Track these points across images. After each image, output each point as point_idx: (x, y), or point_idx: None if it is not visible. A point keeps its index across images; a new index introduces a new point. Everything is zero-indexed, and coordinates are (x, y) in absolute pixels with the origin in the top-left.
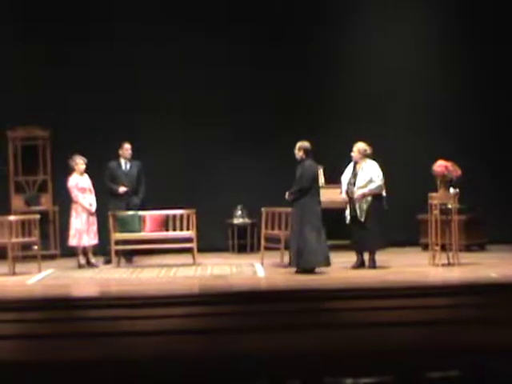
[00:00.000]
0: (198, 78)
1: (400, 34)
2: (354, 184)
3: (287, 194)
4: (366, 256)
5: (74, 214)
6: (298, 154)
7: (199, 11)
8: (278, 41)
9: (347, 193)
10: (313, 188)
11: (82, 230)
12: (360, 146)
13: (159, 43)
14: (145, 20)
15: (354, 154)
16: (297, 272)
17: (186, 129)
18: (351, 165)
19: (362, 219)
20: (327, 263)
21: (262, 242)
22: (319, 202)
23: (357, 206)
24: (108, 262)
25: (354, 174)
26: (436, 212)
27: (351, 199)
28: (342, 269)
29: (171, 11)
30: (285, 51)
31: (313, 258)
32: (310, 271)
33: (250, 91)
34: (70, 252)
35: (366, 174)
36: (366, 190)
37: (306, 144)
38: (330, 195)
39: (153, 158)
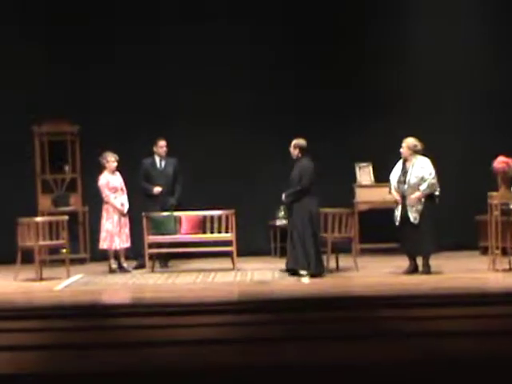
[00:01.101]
0: (241, 78)
1: (453, 28)
2: (405, 182)
3: (285, 194)
4: (419, 260)
5: (104, 214)
6: (294, 152)
7: (240, 11)
8: (324, 38)
9: (397, 192)
10: (312, 188)
11: (113, 232)
12: (409, 142)
13: (201, 42)
14: (185, 19)
15: (403, 150)
16: (293, 275)
17: (225, 125)
18: (400, 162)
19: (416, 221)
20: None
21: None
22: (318, 204)
23: (409, 207)
24: (141, 266)
25: (404, 172)
26: (496, 213)
27: (402, 199)
28: (393, 274)
29: (214, 9)
30: (329, 49)
31: (321, 262)
32: (318, 276)
33: (294, 91)
34: (101, 256)
35: (417, 172)
36: (419, 193)
37: (301, 142)
38: (379, 194)
39: (189, 155)
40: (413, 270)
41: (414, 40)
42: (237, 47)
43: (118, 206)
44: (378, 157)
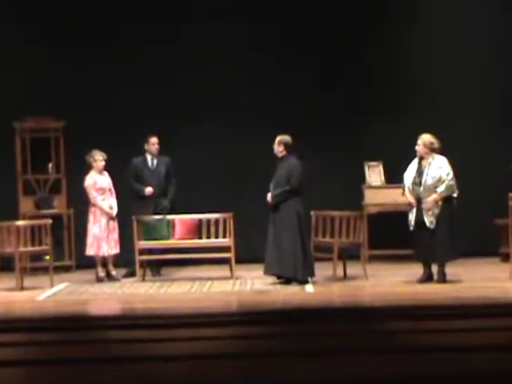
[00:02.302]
0: (239, 77)
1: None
2: (420, 184)
3: (271, 195)
4: (434, 268)
5: (91, 218)
6: (278, 149)
7: (238, 10)
8: (330, 35)
9: (411, 194)
10: (300, 189)
11: (100, 237)
12: (426, 139)
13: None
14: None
15: (419, 147)
16: (282, 282)
17: (222, 121)
18: (415, 161)
19: (432, 226)
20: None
21: (312, 252)
22: (304, 206)
23: (425, 210)
24: (131, 274)
25: (419, 173)
26: None
27: (417, 201)
28: (405, 283)
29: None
30: (337, 45)
31: (312, 267)
32: (304, 283)
33: (296, 88)
34: (88, 263)
35: (433, 172)
36: (436, 196)
37: (286, 138)
38: (390, 196)
39: (184, 153)
40: (427, 278)
41: (428, 35)
42: (232, 47)
43: (106, 209)
44: (389, 155)
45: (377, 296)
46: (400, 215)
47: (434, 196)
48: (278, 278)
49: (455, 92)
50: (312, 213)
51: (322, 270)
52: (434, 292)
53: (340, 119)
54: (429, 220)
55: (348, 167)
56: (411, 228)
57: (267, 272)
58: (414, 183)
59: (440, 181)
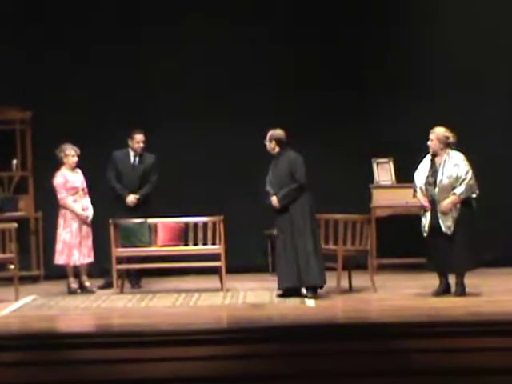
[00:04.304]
0: (233, 74)
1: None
2: (434, 184)
3: (277, 197)
4: (452, 279)
5: (61, 222)
6: (270, 146)
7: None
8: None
9: (424, 196)
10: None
11: (71, 243)
12: (439, 132)
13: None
14: None
15: (432, 142)
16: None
17: (214, 115)
18: (427, 158)
19: (450, 232)
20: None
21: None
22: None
23: (441, 214)
24: (108, 285)
25: (433, 171)
26: None
27: (431, 204)
28: (418, 296)
29: None
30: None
31: (324, 273)
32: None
33: (295, 88)
34: (58, 273)
35: (449, 171)
36: (454, 198)
37: (277, 133)
38: (401, 197)
39: (170, 152)
40: (443, 290)
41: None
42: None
43: (78, 211)
44: (400, 151)
45: (386, 311)
46: (412, 219)
47: (451, 198)
48: (294, 291)
49: (473, 83)
50: None
51: None
52: (451, 307)
53: (345, 110)
54: (445, 225)
55: (353, 165)
56: (425, 234)
57: (285, 285)
58: (427, 183)
59: (457, 180)
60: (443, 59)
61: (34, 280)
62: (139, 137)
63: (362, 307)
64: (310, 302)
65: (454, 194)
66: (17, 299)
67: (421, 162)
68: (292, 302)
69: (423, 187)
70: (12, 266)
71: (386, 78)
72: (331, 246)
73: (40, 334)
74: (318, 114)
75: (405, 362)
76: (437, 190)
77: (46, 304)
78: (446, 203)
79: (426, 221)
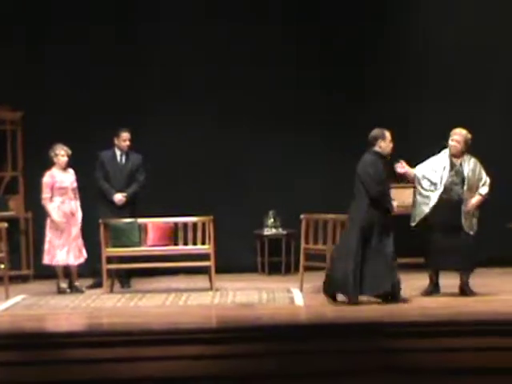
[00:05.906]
0: (229, 73)
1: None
2: (462, 183)
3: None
4: (445, 279)
5: (48, 222)
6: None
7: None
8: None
9: (449, 195)
10: None
11: (56, 244)
12: (466, 135)
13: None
14: None
15: (459, 144)
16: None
17: (202, 115)
18: (442, 157)
19: (473, 231)
20: None
21: (302, 260)
22: None
23: (464, 213)
24: (97, 285)
25: (456, 171)
26: None
27: (450, 203)
28: (410, 295)
29: None
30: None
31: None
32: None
33: (296, 71)
34: (48, 273)
35: (473, 172)
36: (481, 198)
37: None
38: (398, 197)
39: (159, 152)
40: (432, 290)
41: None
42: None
43: (54, 216)
44: (399, 151)
45: (376, 311)
46: (407, 219)
47: (477, 198)
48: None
49: (478, 85)
50: (302, 216)
51: (313, 280)
52: (443, 306)
53: (345, 110)
54: (467, 225)
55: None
56: (413, 224)
57: (372, 292)
58: (452, 183)
59: (480, 181)
60: (443, 59)
61: (23, 279)
62: (125, 135)
63: (351, 307)
64: (299, 302)
65: (480, 194)
66: (7, 298)
67: (423, 160)
68: (282, 302)
69: (449, 187)
70: (2, 266)
71: (387, 78)
72: (320, 246)
73: (30, 334)
74: (317, 113)
75: (395, 361)
76: (465, 188)
77: (35, 303)
78: (474, 202)
79: (444, 218)
